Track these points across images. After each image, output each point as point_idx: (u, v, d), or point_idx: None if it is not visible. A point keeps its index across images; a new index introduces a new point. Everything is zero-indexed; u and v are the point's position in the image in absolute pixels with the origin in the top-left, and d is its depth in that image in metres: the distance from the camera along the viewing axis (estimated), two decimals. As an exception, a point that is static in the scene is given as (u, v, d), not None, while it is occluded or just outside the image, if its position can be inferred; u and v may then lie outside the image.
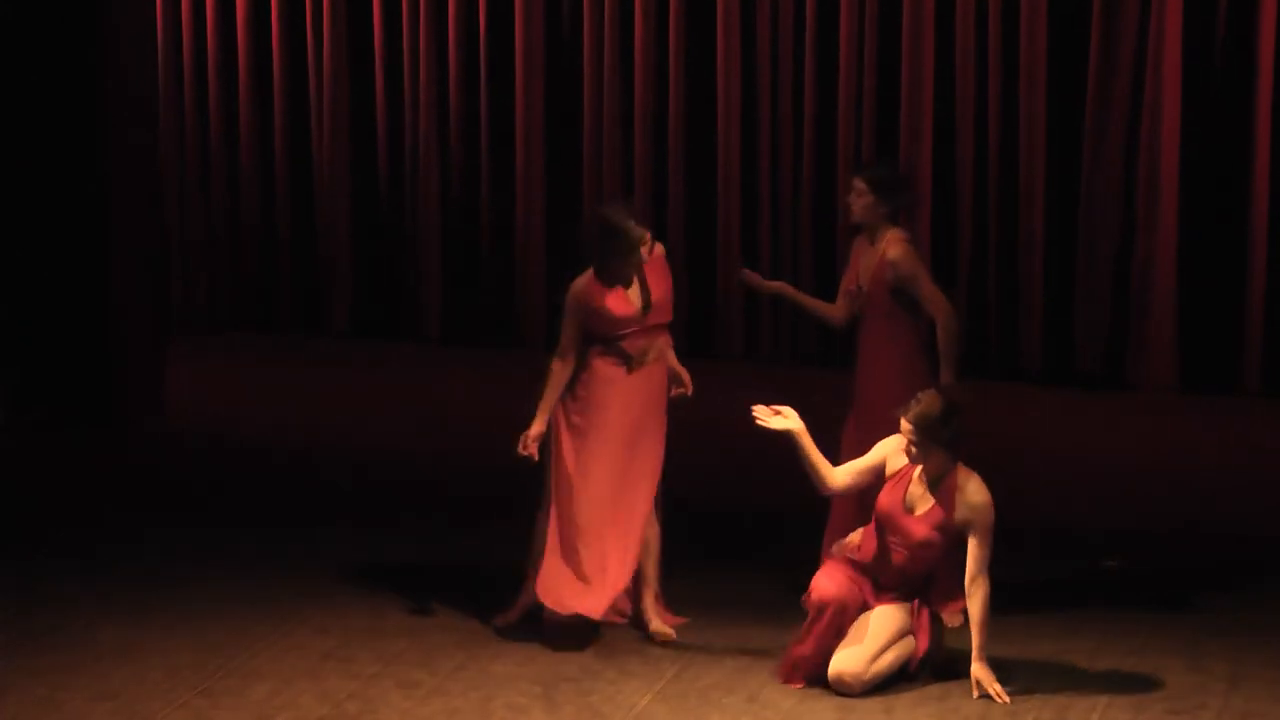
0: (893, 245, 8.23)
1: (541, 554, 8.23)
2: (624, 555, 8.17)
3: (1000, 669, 7.63)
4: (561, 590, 8.14)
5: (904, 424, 7.56)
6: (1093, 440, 11.19)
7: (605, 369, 8.17)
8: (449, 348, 13.51)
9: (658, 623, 8.28)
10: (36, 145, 11.24)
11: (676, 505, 8.47)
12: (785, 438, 7.62)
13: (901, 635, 7.71)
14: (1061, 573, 9.03)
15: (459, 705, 7.51)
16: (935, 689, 7.68)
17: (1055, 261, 12.51)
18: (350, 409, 12.03)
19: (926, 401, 7.55)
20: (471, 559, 9.20)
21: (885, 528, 7.71)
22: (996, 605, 7.62)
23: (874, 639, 7.63)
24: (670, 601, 8.41)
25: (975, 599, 7.56)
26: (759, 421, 7.62)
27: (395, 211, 13.74)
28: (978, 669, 7.59)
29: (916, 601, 7.76)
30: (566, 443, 8.18)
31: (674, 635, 8.21)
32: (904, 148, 12.53)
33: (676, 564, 8.41)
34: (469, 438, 11.36)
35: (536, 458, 8.17)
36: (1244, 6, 11.95)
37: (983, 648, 7.59)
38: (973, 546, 7.57)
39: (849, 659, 7.61)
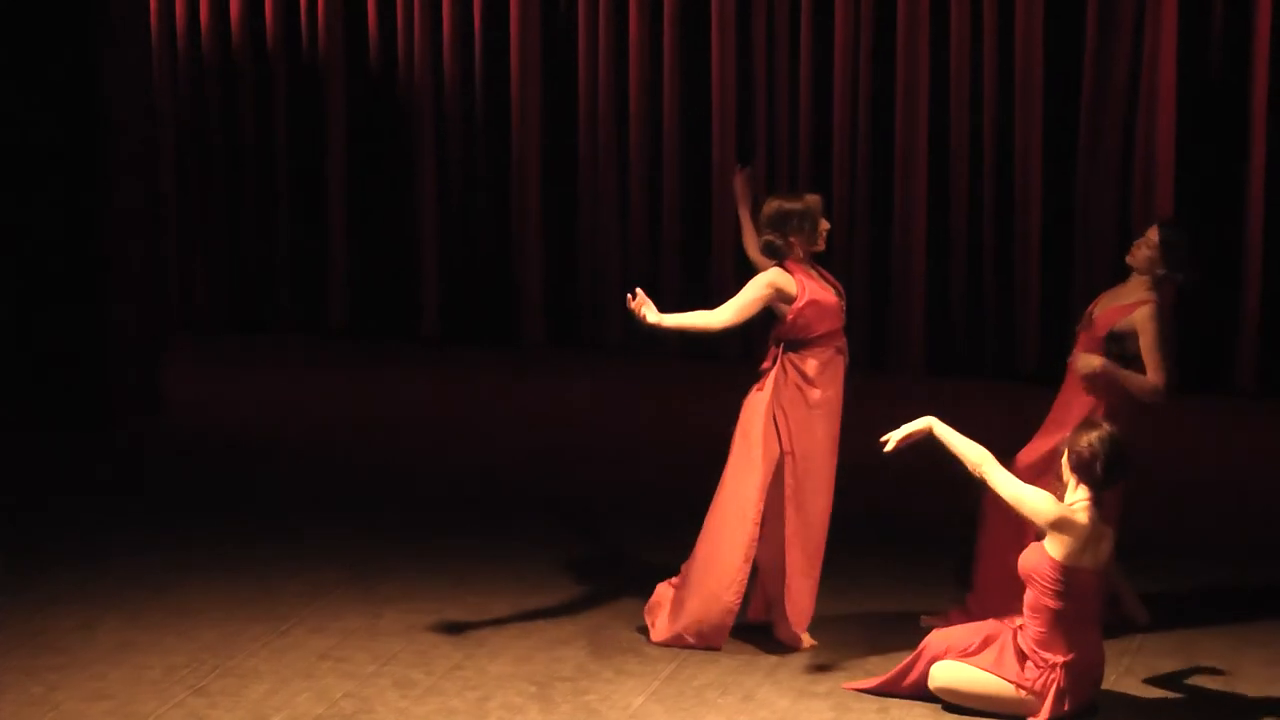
0: (1150, 304, 8.08)
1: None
2: None
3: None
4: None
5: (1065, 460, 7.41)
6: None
7: (837, 369, 8.07)
8: (447, 347, 13.52)
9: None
10: (35, 145, 11.24)
11: (674, 505, 8.45)
12: (927, 439, 7.45)
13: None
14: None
15: (455, 705, 7.51)
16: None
17: (1052, 262, 12.52)
18: (348, 409, 12.03)
19: (1090, 443, 7.37)
20: (469, 559, 9.21)
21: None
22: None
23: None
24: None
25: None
26: (895, 445, 7.43)
27: (393, 211, 13.75)
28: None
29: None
30: (827, 452, 8.06)
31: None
32: (900, 148, 12.55)
33: (674, 564, 8.40)
34: (465, 437, 11.37)
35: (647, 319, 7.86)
36: (1240, 7, 11.96)
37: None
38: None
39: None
